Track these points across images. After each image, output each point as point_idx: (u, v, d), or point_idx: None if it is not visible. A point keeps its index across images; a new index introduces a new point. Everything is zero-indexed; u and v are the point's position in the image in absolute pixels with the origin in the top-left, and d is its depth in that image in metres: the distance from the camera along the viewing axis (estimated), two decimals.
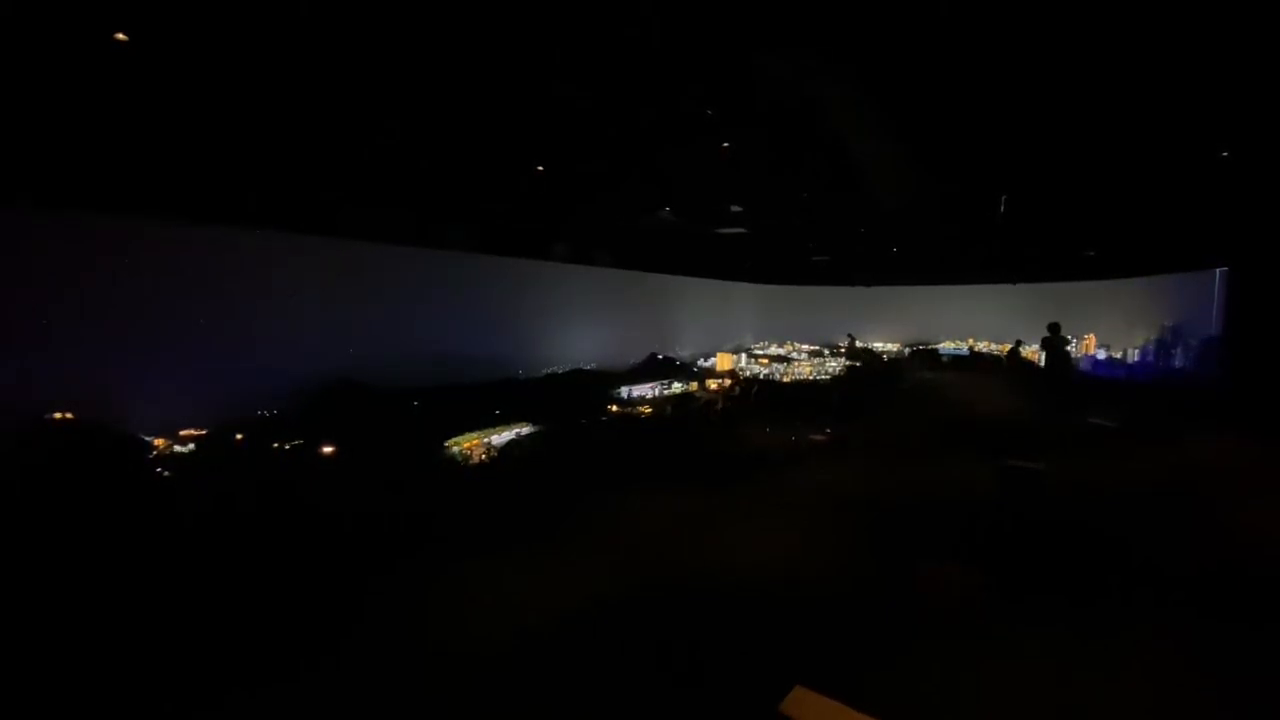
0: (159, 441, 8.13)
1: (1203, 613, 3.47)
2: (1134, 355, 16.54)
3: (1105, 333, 17.56)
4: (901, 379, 14.95)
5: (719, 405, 12.04)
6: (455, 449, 9.20)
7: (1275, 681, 2.87)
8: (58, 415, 7.30)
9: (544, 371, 14.58)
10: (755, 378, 16.83)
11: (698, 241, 13.20)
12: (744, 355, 20.04)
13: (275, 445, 8.50)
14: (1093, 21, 3.96)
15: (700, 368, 18.86)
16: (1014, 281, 18.31)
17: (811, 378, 17.24)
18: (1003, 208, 8.86)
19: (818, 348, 21.86)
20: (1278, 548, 4.41)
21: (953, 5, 3.76)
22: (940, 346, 20.48)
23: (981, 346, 20.10)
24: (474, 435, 9.69)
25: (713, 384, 14.86)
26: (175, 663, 3.06)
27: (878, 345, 21.83)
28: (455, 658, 3.14)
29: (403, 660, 3.11)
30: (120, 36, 4.01)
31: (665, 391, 14.65)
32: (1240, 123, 5.68)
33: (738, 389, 12.72)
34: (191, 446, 8.26)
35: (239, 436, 8.62)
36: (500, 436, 9.96)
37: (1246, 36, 4.07)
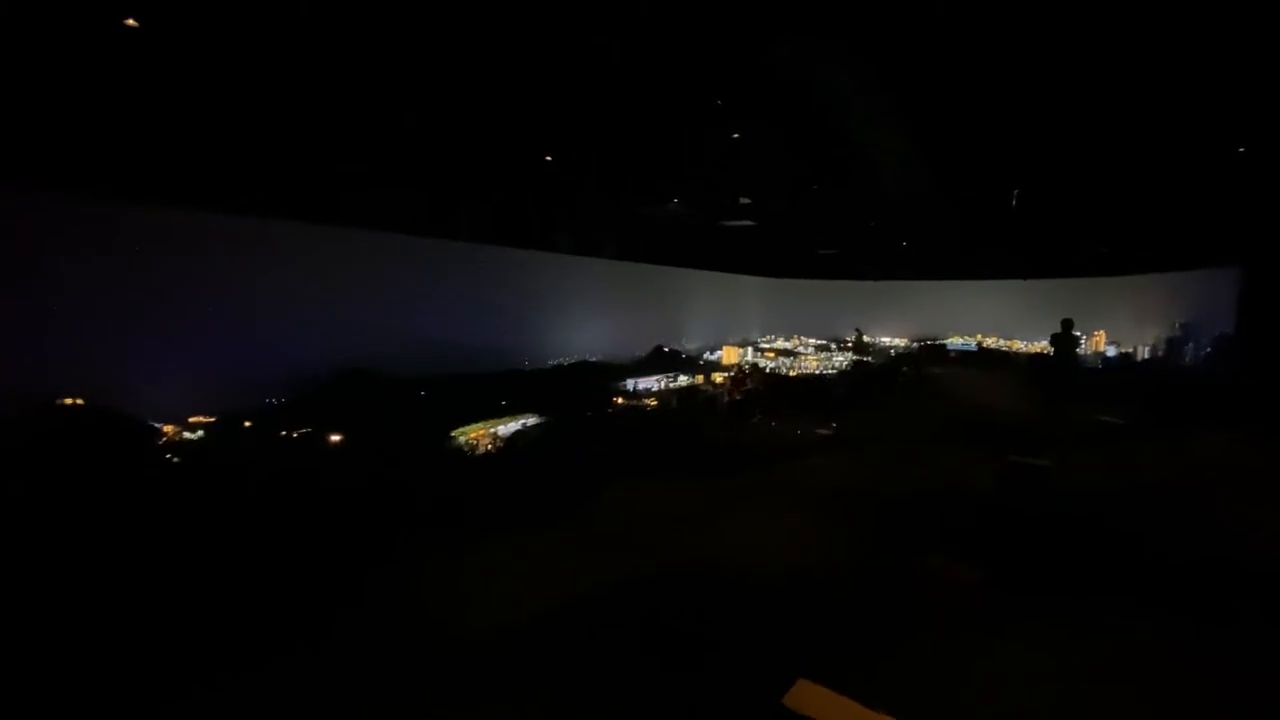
0: (168, 428, 8.19)
1: (1204, 611, 3.46)
2: (1144, 353, 16.39)
3: (1115, 330, 17.38)
4: (909, 373, 14.89)
5: (725, 399, 12.02)
6: (462, 439, 9.21)
7: (1275, 681, 2.86)
8: (68, 400, 7.37)
9: (550, 363, 14.56)
10: (761, 371, 16.76)
11: (705, 234, 13.17)
12: (750, 349, 19.96)
13: (284, 433, 8.55)
14: (1110, 14, 3.90)
15: (706, 361, 18.78)
16: (1024, 277, 18.13)
17: (818, 372, 17.15)
18: (1014, 202, 8.78)
19: (825, 342, 21.77)
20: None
21: None
22: (948, 342, 20.31)
23: (990, 342, 19.92)
24: (480, 426, 9.68)
25: (719, 378, 14.80)
26: (182, 642, 3.10)
27: (885, 340, 21.71)
28: (456, 642, 3.16)
29: (404, 644, 3.14)
30: (130, 22, 4.03)
31: (671, 384, 14.60)
32: (1259, 118, 5.60)
33: (747, 382, 12.68)
34: (201, 433, 8.32)
35: (247, 424, 8.67)
36: (507, 427, 9.95)
37: (1266, 30, 4.00)
